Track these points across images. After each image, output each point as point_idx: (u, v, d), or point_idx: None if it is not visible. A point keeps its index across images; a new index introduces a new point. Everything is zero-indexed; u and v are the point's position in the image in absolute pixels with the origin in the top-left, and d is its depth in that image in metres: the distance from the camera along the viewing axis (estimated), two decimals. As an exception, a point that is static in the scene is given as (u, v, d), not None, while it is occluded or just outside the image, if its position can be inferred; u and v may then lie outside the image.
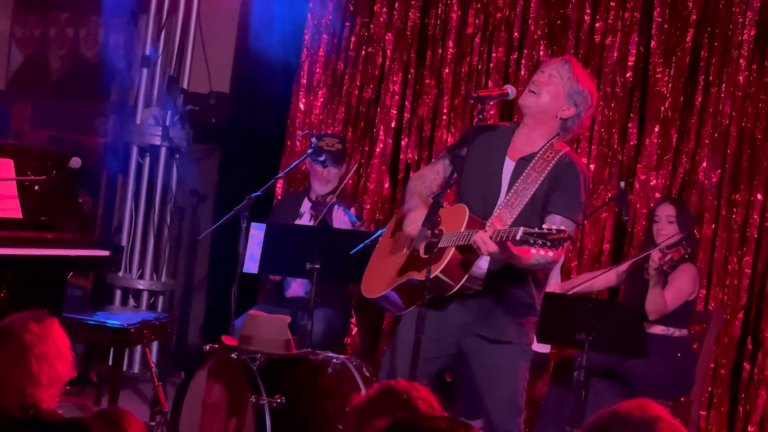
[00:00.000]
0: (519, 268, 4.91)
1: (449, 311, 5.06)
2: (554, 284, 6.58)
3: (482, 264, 4.95)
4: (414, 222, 5.04)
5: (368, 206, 7.99)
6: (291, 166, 7.25)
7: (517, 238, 4.51)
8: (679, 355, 6.60)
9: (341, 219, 7.06)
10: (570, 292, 6.60)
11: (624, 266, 6.82)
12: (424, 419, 2.61)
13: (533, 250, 4.49)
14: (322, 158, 6.91)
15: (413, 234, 5.02)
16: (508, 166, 5.04)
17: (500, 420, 5.07)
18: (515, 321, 5.05)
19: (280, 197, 7.90)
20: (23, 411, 3.62)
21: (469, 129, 5.19)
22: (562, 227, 4.52)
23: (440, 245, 4.81)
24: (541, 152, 5.01)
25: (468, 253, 4.82)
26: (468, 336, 5.08)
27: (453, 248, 4.83)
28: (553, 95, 5.01)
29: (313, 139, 6.82)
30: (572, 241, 4.92)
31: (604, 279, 6.91)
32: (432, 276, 4.78)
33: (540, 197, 4.95)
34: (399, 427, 2.60)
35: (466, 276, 4.90)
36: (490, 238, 4.66)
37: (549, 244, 4.45)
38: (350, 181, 7.81)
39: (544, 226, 4.51)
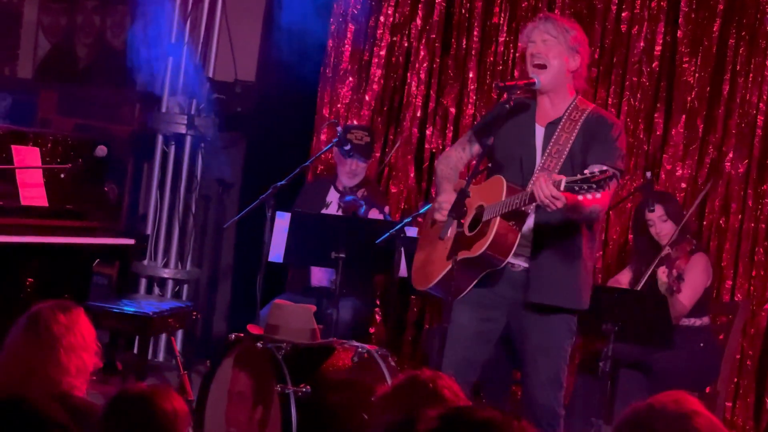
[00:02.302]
0: (569, 225, 4.95)
1: (500, 286, 5.09)
2: None
3: (528, 231, 4.99)
4: (442, 208, 5.06)
5: (394, 195, 7.99)
6: (316, 155, 7.23)
7: (561, 188, 4.55)
8: (702, 344, 6.58)
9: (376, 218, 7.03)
10: None
11: (626, 277, 6.77)
12: (478, 410, 2.59)
13: (580, 197, 4.52)
14: (347, 147, 6.86)
15: (443, 220, 5.02)
16: (539, 132, 5.09)
17: (541, 394, 5.10)
18: (565, 285, 5.05)
19: (305, 185, 7.89)
20: (54, 400, 3.63)
21: (493, 110, 5.27)
22: (604, 167, 4.53)
23: (484, 218, 4.88)
24: (566, 114, 5.07)
25: (514, 219, 4.86)
26: (517, 307, 5.10)
27: (498, 218, 4.85)
28: (558, 56, 5.04)
29: (339, 129, 6.78)
30: (618, 178, 4.92)
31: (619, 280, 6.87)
32: (482, 251, 4.85)
33: (577, 155, 4.99)
34: (453, 416, 2.59)
35: (516, 244, 4.92)
36: None
37: (595, 186, 4.47)
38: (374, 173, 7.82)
39: (585, 171, 4.53)
